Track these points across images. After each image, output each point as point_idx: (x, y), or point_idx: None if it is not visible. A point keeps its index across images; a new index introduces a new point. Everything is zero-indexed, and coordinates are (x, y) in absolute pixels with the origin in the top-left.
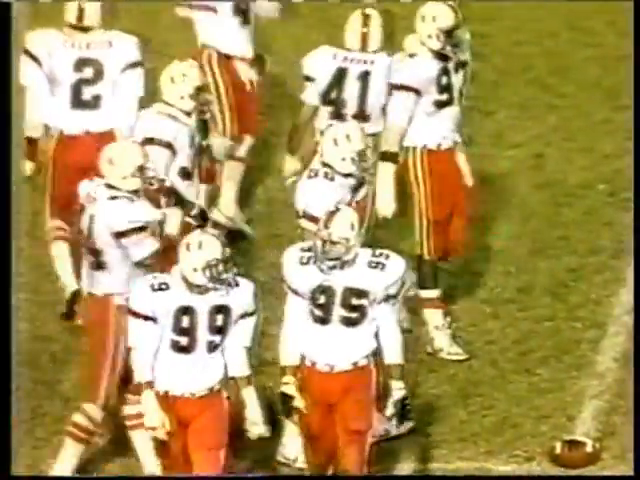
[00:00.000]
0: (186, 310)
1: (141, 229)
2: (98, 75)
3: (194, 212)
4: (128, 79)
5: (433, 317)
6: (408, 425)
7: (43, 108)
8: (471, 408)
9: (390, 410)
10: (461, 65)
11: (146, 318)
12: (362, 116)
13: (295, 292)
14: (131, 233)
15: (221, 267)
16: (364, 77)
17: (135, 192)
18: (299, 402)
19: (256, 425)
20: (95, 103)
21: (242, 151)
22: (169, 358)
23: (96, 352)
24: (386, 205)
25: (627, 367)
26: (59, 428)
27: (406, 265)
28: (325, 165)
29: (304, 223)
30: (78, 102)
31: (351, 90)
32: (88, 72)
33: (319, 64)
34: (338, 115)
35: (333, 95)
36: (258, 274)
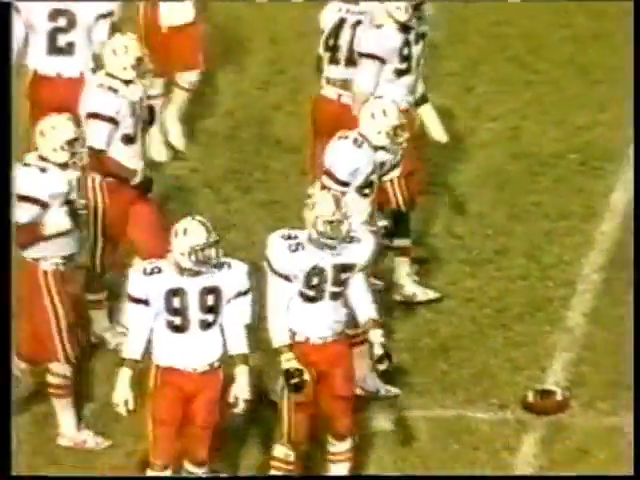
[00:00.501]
0: (176, 292)
1: (28, 199)
2: (71, 24)
3: (136, 180)
4: (100, 28)
5: (403, 265)
6: (395, 391)
7: (21, 51)
8: (451, 360)
9: (377, 350)
10: (421, 36)
11: (138, 301)
12: (352, 61)
13: (286, 277)
14: (23, 201)
15: (207, 251)
16: (355, 25)
17: (64, 165)
18: (307, 375)
19: (239, 402)
20: (69, 50)
21: (184, 81)
22: (167, 337)
23: (38, 314)
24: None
25: (595, 322)
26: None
27: (374, 236)
28: (359, 134)
29: (326, 181)
30: (53, 49)
31: (345, 37)
32: (62, 21)
33: (326, 16)
34: (334, 60)
35: (331, 42)
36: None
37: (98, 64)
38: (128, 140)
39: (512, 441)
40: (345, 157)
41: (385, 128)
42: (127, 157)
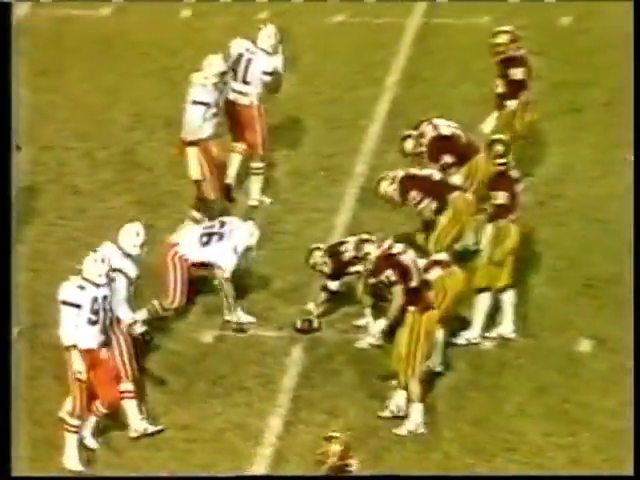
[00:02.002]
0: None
1: None
2: None
3: None
4: None
5: None
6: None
7: None
8: None
9: None
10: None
11: (73, 305)
12: (245, 81)
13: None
14: None
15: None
16: (249, 61)
17: None
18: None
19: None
20: None
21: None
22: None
23: None
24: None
25: None
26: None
27: None
28: None
29: None
30: None
31: (241, 66)
32: None
33: (232, 50)
34: (235, 78)
35: (234, 67)
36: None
37: None
38: None
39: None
40: None
41: None
42: None
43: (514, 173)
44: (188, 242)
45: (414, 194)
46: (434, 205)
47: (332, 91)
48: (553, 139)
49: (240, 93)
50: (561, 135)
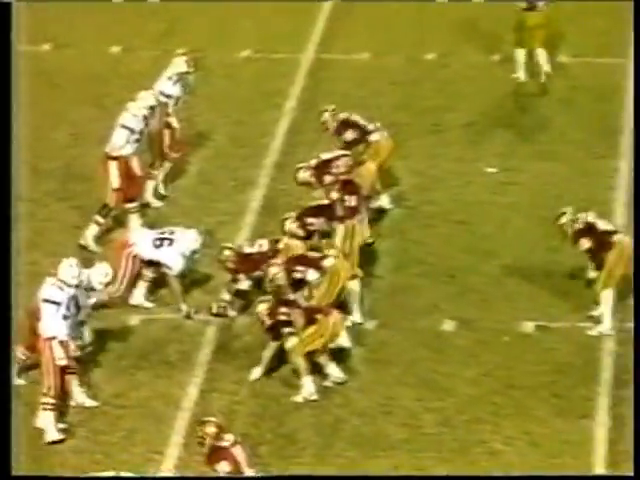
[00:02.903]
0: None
1: None
2: None
3: None
4: None
5: None
6: None
7: None
8: None
9: None
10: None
11: (53, 302)
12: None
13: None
14: None
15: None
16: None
17: None
18: None
19: None
20: None
21: None
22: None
23: None
24: None
25: None
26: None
27: None
28: None
29: None
30: None
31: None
32: None
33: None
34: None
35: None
36: None
37: None
38: None
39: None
40: None
41: None
42: None
43: (359, 181)
44: (143, 244)
45: (328, 177)
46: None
47: (239, 114)
48: (422, 154)
49: None
50: (428, 151)
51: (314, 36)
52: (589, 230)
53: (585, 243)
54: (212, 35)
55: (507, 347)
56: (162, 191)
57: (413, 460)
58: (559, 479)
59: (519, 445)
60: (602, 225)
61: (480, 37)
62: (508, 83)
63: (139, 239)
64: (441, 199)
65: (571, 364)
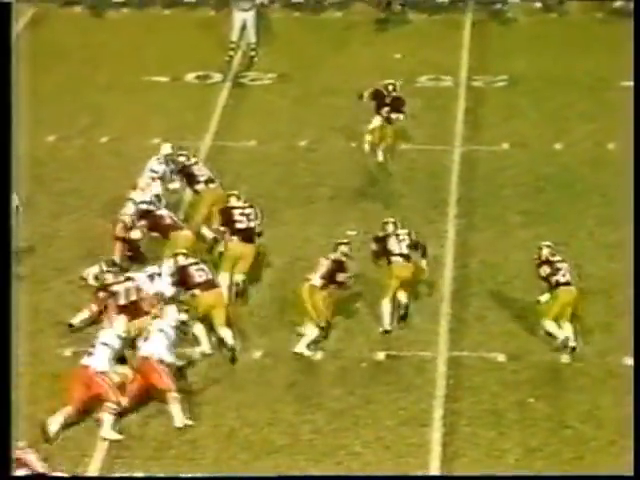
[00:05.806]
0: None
1: None
2: None
3: None
4: None
5: None
6: None
7: None
8: None
9: None
10: None
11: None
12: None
13: None
14: None
15: None
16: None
17: None
18: None
19: None
20: None
21: None
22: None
23: None
24: None
25: None
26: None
27: None
28: None
29: None
30: None
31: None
32: None
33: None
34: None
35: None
36: None
37: None
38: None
39: None
40: None
41: None
42: None
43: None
44: (142, 279)
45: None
46: None
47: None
48: (296, 221)
49: None
50: (302, 219)
51: (211, 127)
52: None
53: None
54: (130, 125)
55: (363, 371)
56: None
57: (292, 462)
58: (559, 479)
59: (374, 448)
60: None
61: (342, 128)
62: (364, 164)
63: (139, 277)
64: (310, 256)
65: (413, 384)
